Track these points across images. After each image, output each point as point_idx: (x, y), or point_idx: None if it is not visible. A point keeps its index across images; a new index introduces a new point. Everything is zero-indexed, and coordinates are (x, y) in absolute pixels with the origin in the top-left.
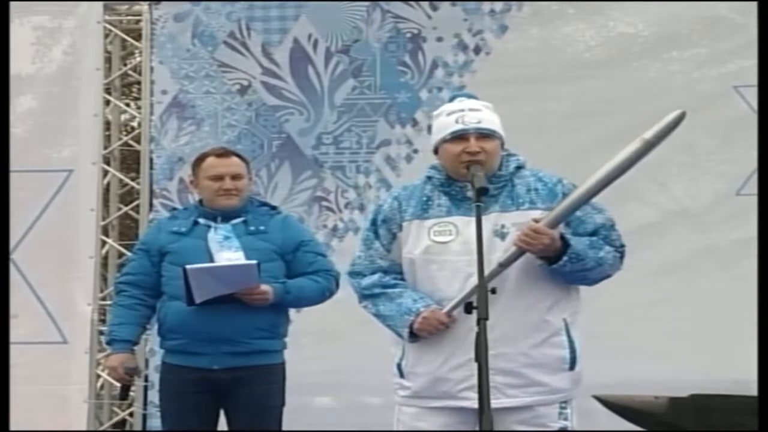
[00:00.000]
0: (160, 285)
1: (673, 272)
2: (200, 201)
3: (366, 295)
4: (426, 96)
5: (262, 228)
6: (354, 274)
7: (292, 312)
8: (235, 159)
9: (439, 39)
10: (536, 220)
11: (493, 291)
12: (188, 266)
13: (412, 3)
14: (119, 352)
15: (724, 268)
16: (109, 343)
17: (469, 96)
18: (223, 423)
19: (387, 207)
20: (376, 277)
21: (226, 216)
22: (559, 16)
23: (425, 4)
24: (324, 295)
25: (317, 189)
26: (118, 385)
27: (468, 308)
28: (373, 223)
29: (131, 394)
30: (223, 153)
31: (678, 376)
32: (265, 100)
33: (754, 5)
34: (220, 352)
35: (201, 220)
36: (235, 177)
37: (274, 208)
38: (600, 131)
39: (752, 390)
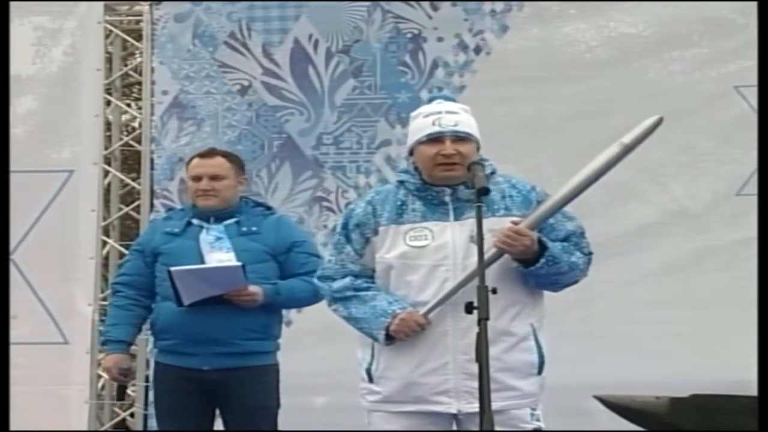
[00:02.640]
0: (154, 285)
1: (673, 272)
2: None
3: (337, 298)
4: (426, 96)
5: (254, 229)
6: (324, 278)
7: (292, 312)
8: (218, 159)
9: (440, 39)
10: (515, 222)
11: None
12: (172, 268)
13: (413, 3)
14: (114, 352)
15: (724, 268)
16: (104, 343)
17: (448, 98)
18: (220, 423)
19: (360, 211)
20: (347, 280)
21: (219, 217)
22: (559, 16)
23: (426, 5)
24: (317, 295)
25: (318, 189)
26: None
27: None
28: (345, 227)
29: (131, 393)
30: (207, 153)
31: (678, 377)
32: (266, 101)
33: (754, 5)
34: (210, 353)
35: (194, 221)
36: (214, 178)
37: (269, 208)
38: (600, 131)
39: (752, 390)
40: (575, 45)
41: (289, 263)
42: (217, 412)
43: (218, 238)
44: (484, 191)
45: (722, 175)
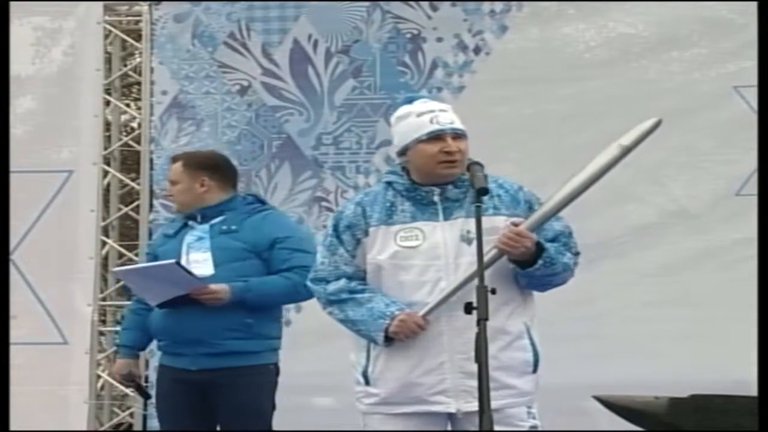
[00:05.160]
0: None
1: (672, 273)
2: None
3: (332, 301)
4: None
5: (233, 227)
6: (317, 280)
7: (292, 312)
8: (175, 165)
9: (439, 39)
10: (516, 224)
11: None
12: (114, 269)
13: (412, 3)
14: (120, 358)
15: (723, 268)
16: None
17: (429, 98)
18: None
19: (350, 213)
20: (342, 282)
21: (206, 216)
22: (559, 17)
23: (425, 5)
24: (297, 291)
25: (317, 189)
26: (119, 386)
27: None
28: (335, 228)
29: (130, 394)
30: (171, 159)
31: (678, 377)
32: (265, 101)
33: (754, 5)
34: (196, 353)
35: (189, 222)
36: (172, 183)
37: (262, 203)
38: (600, 132)
39: (752, 390)
40: (574, 45)
41: (272, 260)
42: None
43: (200, 238)
44: (484, 191)
45: (722, 175)
